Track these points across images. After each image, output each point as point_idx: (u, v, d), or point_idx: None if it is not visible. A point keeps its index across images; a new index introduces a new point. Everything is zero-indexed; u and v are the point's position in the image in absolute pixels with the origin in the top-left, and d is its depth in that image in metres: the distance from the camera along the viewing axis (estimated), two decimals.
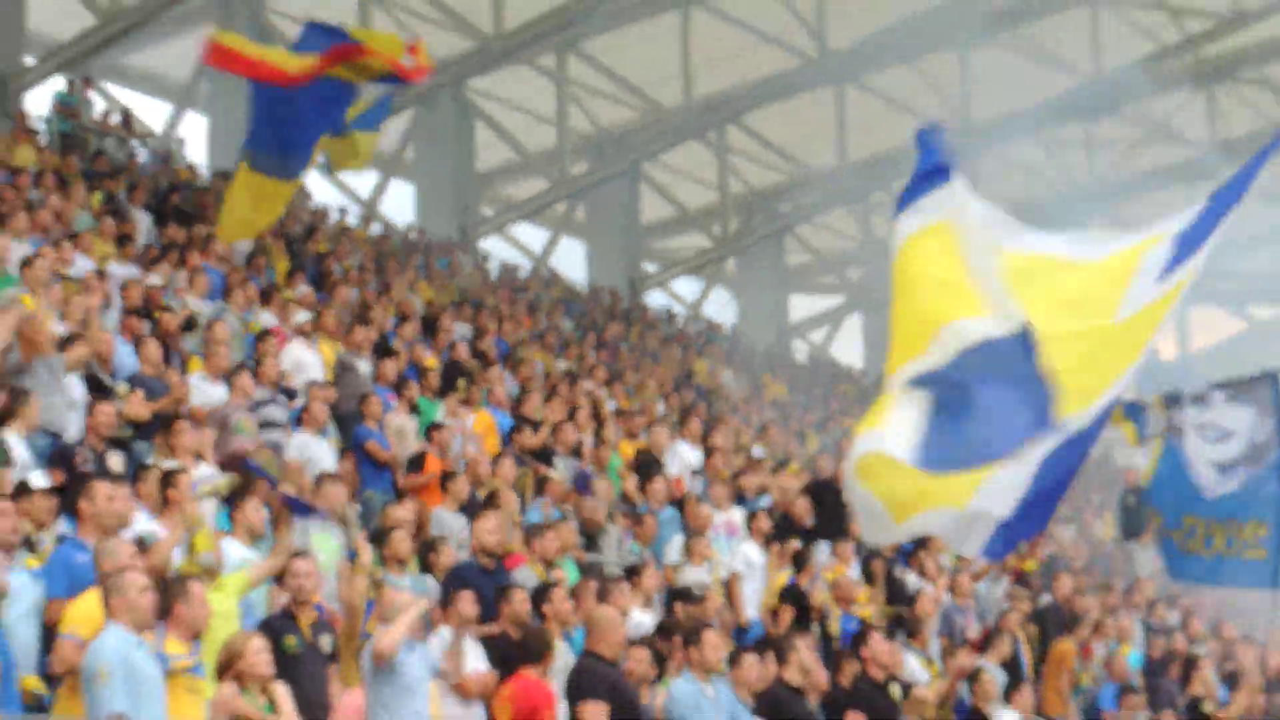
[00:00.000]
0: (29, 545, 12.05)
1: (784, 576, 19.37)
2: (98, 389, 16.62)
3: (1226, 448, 19.11)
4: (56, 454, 14.56)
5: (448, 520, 17.09)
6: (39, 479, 13.44)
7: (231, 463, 15.62)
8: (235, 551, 13.42)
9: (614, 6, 38.02)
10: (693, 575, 18.76)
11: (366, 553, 14.13)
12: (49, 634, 11.46)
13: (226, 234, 22.90)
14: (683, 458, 23.63)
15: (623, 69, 42.18)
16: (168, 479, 13.67)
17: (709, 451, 24.11)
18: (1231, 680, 22.36)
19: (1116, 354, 11.85)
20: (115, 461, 14.48)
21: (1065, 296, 12.04)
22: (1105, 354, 11.83)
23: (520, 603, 14.75)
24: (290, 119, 20.63)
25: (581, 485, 20.70)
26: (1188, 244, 11.79)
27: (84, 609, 10.96)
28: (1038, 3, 36.74)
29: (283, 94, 20.70)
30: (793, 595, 18.57)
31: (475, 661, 13.77)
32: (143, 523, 13.23)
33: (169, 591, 11.03)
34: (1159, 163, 47.82)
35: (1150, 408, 19.76)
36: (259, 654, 11.33)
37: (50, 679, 11.25)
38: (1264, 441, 18.57)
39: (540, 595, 15.15)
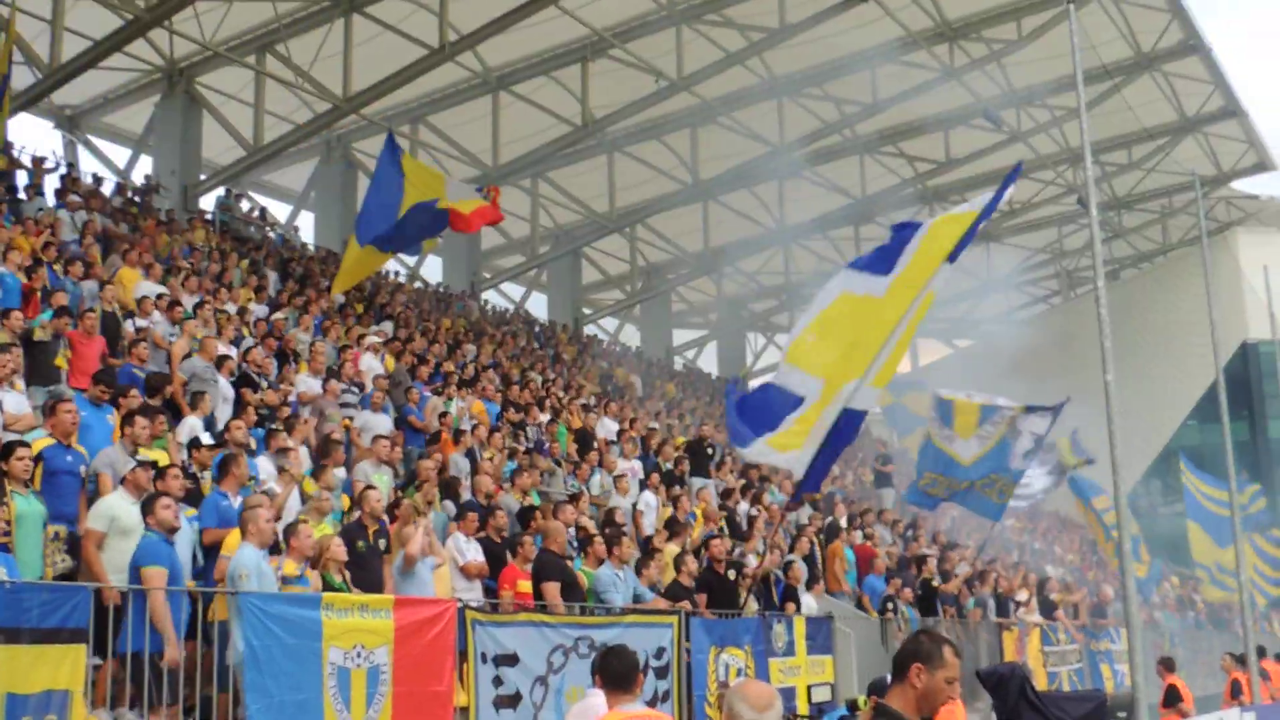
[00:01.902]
0: (190, 500, 11.95)
1: (668, 511, 19.46)
2: (244, 382, 16.65)
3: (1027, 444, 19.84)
4: (216, 436, 14.43)
5: (459, 460, 17.06)
6: (206, 437, 13.52)
7: (325, 441, 15.43)
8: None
9: (568, 153, 38.10)
10: (614, 501, 18.81)
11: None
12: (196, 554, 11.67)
13: (336, 289, 23.26)
14: (607, 428, 23.59)
15: (572, 189, 42.13)
16: (282, 453, 13.77)
17: (621, 425, 24.10)
18: (946, 574, 22.46)
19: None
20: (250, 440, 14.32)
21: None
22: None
23: (501, 520, 14.82)
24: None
25: (541, 447, 20.66)
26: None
27: (234, 539, 11.11)
28: (739, 95, 36.66)
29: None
30: (670, 523, 18.60)
31: (474, 554, 13.80)
32: (267, 465, 13.20)
33: (288, 531, 11.26)
34: None
35: (1003, 408, 20.21)
36: (338, 547, 11.46)
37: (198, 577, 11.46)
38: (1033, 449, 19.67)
39: (524, 513, 15.27)
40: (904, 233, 12.88)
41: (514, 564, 13.90)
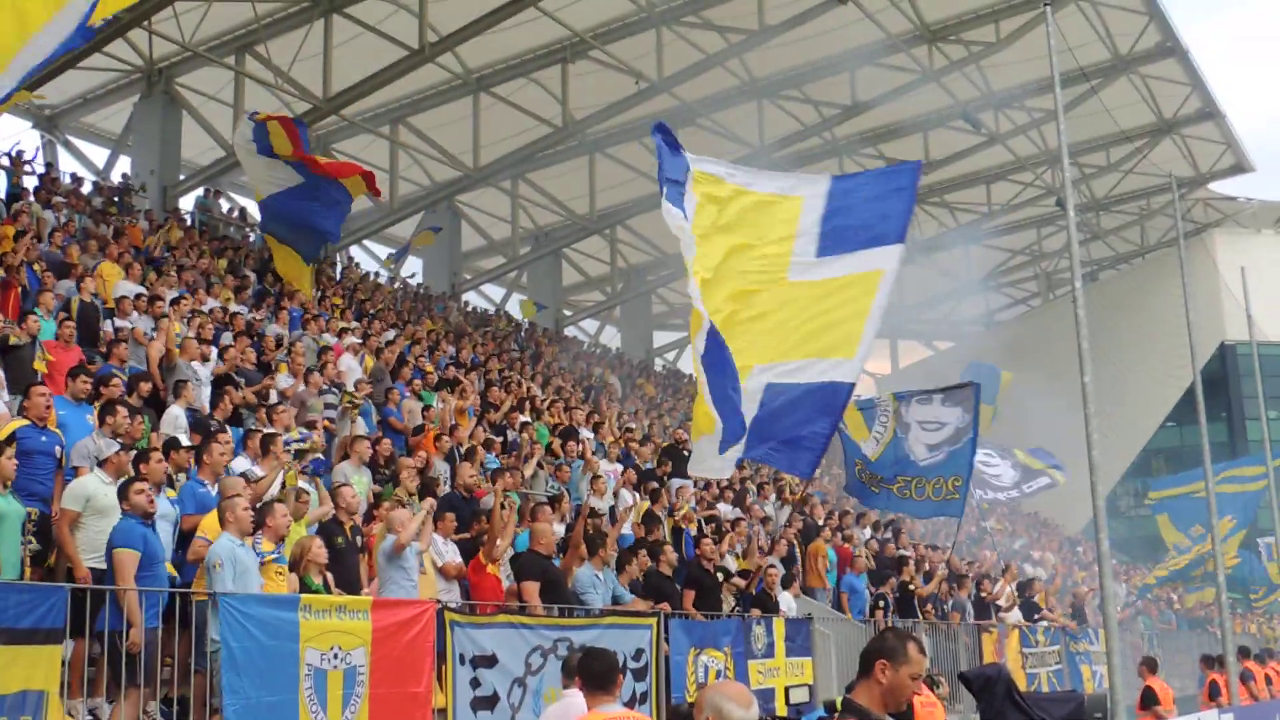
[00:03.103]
0: (170, 483, 11.95)
1: (645, 505, 19.46)
2: (226, 381, 16.59)
3: (938, 434, 19.13)
4: (196, 422, 14.52)
5: (438, 464, 17.04)
6: (184, 439, 13.47)
7: (306, 429, 15.46)
8: None
9: (548, 155, 38.16)
10: (594, 502, 18.80)
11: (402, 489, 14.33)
12: (180, 540, 11.67)
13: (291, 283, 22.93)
14: (587, 430, 23.56)
15: (553, 190, 42.18)
16: (268, 439, 13.62)
17: (600, 426, 24.12)
18: (928, 575, 22.48)
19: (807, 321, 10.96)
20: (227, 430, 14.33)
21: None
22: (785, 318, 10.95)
23: (485, 524, 14.76)
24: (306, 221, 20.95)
25: (520, 449, 20.65)
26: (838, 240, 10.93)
27: (210, 522, 11.09)
28: (718, 97, 36.57)
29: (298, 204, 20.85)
30: (648, 516, 18.59)
31: (452, 555, 13.77)
32: (245, 465, 13.17)
33: (262, 510, 11.18)
34: None
35: (880, 403, 19.52)
36: (319, 549, 11.42)
37: (179, 566, 11.42)
38: (963, 427, 18.59)
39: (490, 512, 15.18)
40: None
41: (477, 558, 13.88)
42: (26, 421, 11.50)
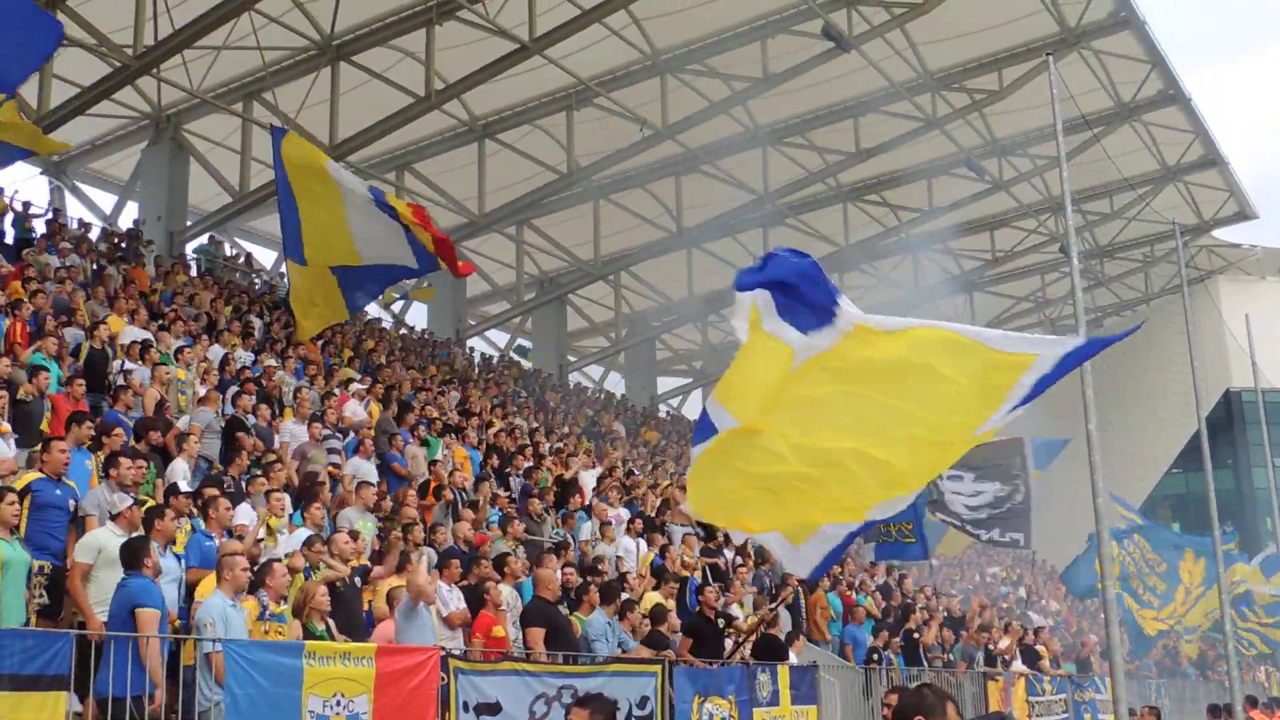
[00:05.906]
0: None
1: (651, 555, 19.45)
2: (236, 426, 16.64)
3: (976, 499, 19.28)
4: (209, 478, 14.56)
5: (438, 515, 17.08)
6: (184, 485, 13.53)
7: (308, 481, 15.47)
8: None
9: (553, 201, 38.32)
10: (600, 549, 18.84)
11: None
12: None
13: (304, 335, 22.50)
14: (585, 481, 23.53)
15: (557, 236, 42.29)
16: (269, 497, 13.94)
17: (608, 473, 24.10)
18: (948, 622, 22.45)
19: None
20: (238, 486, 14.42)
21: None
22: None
23: (485, 568, 14.75)
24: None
25: (526, 494, 20.61)
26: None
27: (208, 584, 11.16)
28: (723, 144, 36.49)
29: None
30: (655, 568, 18.57)
31: (457, 603, 13.76)
32: (249, 513, 13.17)
33: (262, 570, 11.28)
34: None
35: None
36: (322, 595, 11.43)
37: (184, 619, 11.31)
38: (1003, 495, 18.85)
39: (500, 561, 15.16)
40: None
41: (485, 611, 13.82)
42: (41, 475, 11.51)
